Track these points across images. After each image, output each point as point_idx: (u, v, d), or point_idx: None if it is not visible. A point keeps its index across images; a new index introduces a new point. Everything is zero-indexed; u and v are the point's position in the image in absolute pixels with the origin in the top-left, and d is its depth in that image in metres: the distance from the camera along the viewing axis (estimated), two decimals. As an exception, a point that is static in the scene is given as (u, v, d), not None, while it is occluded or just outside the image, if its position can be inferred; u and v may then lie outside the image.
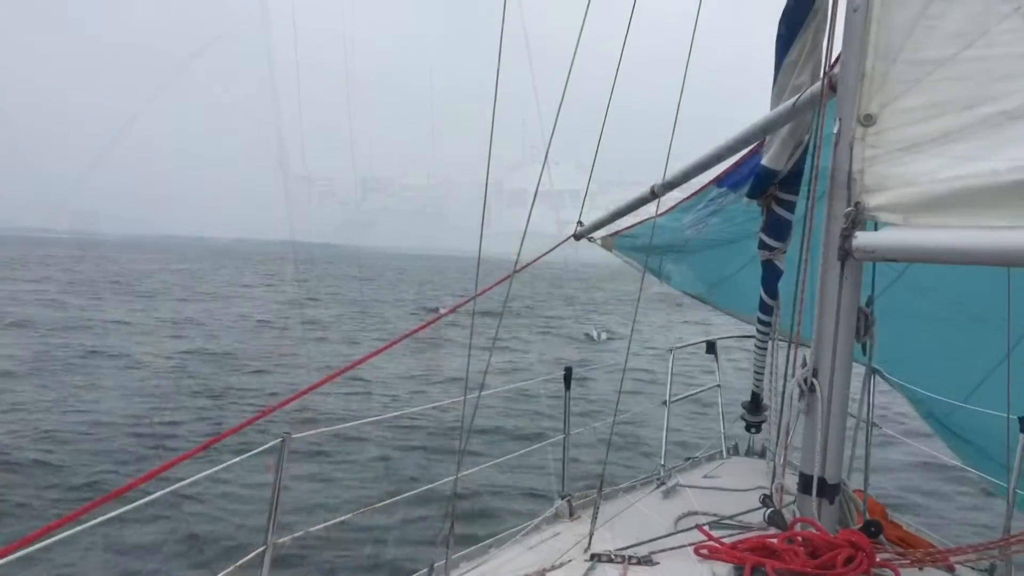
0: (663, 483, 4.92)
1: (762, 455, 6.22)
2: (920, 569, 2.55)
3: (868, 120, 2.52)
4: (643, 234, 5.90)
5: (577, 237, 5.58)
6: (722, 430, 6.68)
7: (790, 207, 4.13)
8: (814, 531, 2.49)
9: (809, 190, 2.82)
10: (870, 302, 2.75)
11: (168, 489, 2.99)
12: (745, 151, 4.66)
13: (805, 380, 2.67)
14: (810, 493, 2.68)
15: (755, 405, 5.16)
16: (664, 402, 6.47)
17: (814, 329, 2.68)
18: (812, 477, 2.67)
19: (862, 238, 2.46)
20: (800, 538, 2.45)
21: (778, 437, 3.09)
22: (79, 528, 2.38)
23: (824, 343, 2.65)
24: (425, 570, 3.32)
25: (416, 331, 3.94)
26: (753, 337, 4.86)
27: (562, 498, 5.10)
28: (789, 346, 2.89)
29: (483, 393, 3.38)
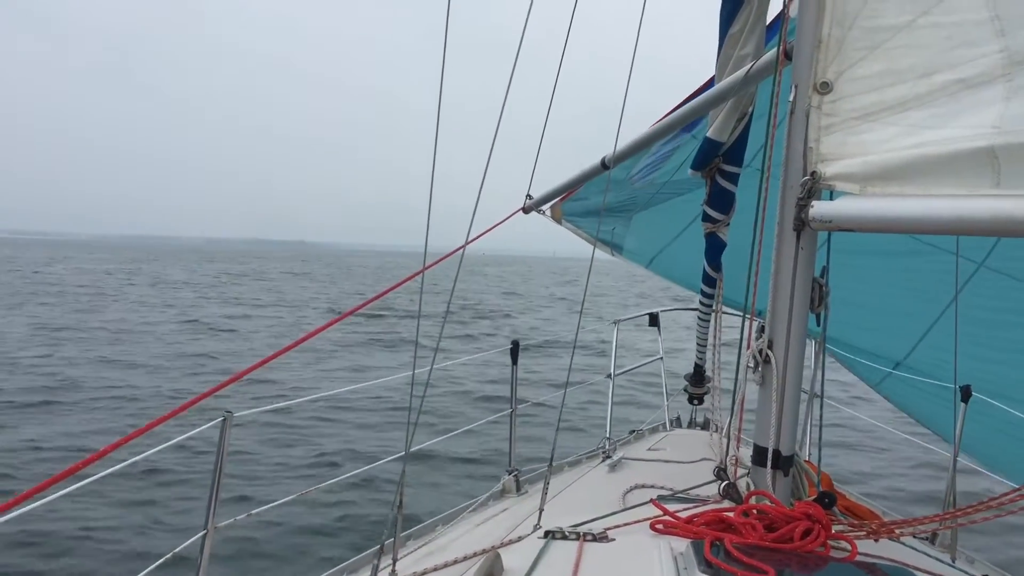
0: (608, 456, 4.92)
1: (704, 427, 6.28)
2: (876, 541, 2.55)
3: (824, 88, 2.48)
4: (590, 194, 5.85)
5: (526, 211, 5.52)
6: (665, 402, 6.73)
7: (734, 179, 4.12)
8: (769, 504, 2.47)
9: (764, 159, 2.79)
10: (824, 273, 2.73)
11: (99, 475, 2.84)
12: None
13: (760, 351, 2.65)
14: (764, 465, 2.66)
15: (698, 377, 5.19)
16: (608, 375, 6.47)
17: (769, 300, 2.66)
18: (767, 449, 2.65)
19: (818, 208, 2.43)
20: (756, 511, 2.43)
21: (732, 409, 3.07)
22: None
23: (779, 314, 2.63)
24: (375, 549, 3.23)
25: (325, 327, 3.78)
26: (696, 309, 4.87)
27: (509, 473, 5.07)
28: (744, 318, 2.86)
29: (434, 367, 3.30)
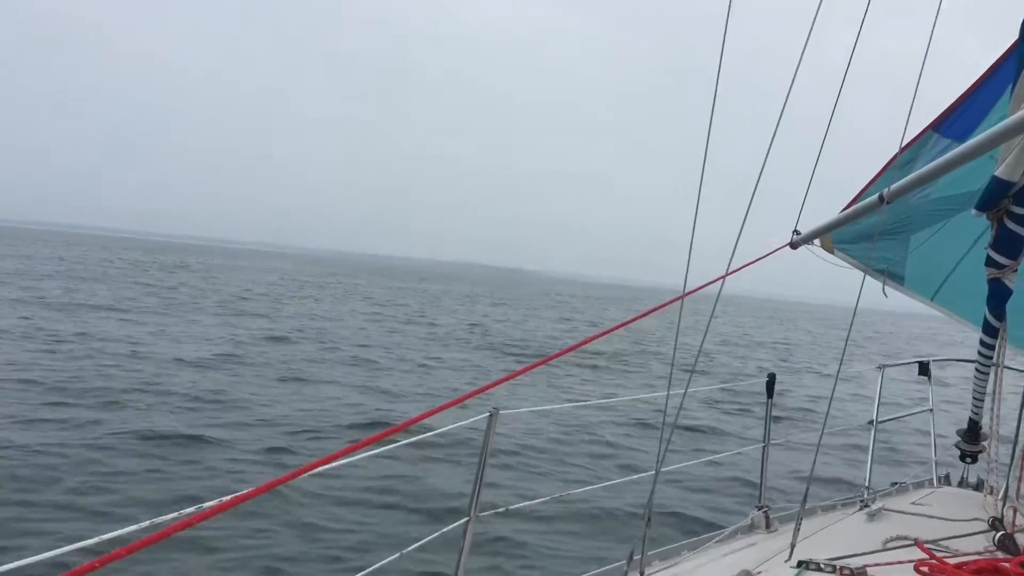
0: (867, 505, 4.70)
1: (977, 487, 5.78)
2: None
3: None
4: (862, 214, 5.59)
5: (794, 246, 5.40)
6: (933, 457, 6.29)
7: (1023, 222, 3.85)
8: None
9: None
10: None
11: (372, 451, 3.09)
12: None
13: None
14: None
15: (972, 433, 4.84)
16: (871, 422, 6.17)
17: None
18: None
19: None
20: None
21: (1012, 461, 2.90)
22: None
23: None
24: (623, 562, 3.36)
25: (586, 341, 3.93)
26: (974, 361, 4.55)
27: (759, 508, 4.99)
28: None
29: (687, 391, 3.39)
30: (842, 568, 2.54)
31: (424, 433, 3.51)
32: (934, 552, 2.59)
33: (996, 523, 2.90)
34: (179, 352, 18.93)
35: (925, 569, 2.46)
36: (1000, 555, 2.70)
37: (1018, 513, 2.89)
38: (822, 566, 2.60)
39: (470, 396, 3.14)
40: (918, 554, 2.63)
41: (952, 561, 2.49)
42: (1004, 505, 2.93)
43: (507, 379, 3.29)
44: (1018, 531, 2.83)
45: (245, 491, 1.99)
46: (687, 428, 13.11)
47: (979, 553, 2.83)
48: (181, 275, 62.43)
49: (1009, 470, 3.00)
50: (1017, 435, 2.76)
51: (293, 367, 18.44)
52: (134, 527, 1.92)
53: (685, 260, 3.56)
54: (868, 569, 2.54)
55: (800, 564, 2.63)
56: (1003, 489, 3.89)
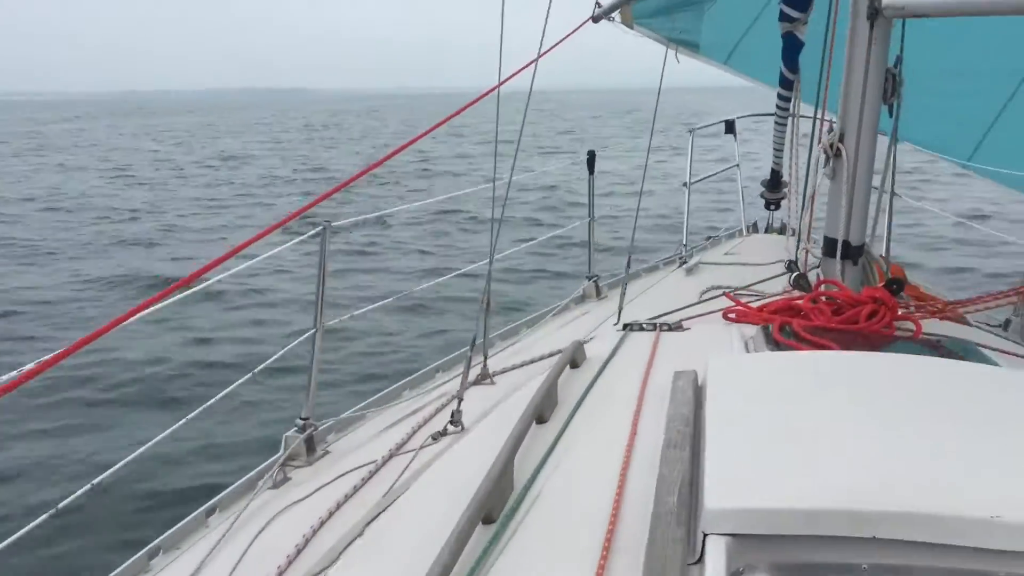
0: (685, 261, 5.04)
1: (781, 232, 6.29)
2: (941, 320, 2.66)
3: None
4: None
5: (595, 19, 5.35)
6: (742, 209, 6.73)
7: None
8: (838, 292, 2.60)
9: None
10: (898, 63, 2.71)
11: (214, 278, 3.01)
12: None
13: (831, 145, 2.69)
14: (834, 256, 2.77)
15: (775, 182, 5.17)
16: (684, 183, 6.49)
17: (840, 92, 2.67)
18: (836, 240, 2.75)
19: None
20: (825, 298, 2.56)
21: (803, 203, 3.15)
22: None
23: (851, 107, 2.64)
24: (466, 349, 3.49)
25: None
26: (773, 114, 4.79)
27: (589, 279, 5.27)
28: (816, 111, 2.88)
29: (513, 178, 3.43)
30: (661, 324, 2.75)
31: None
32: (740, 299, 2.84)
33: (792, 265, 3.19)
34: None
35: (732, 315, 2.71)
36: (797, 294, 2.99)
37: (809, 254, 3.18)
38: (644, 326, 2.81)
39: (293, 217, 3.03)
40: (729, 303, 2.88)
41: (755, 304, 2.75)
42: (798, 248, 3.22)
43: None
44: (810, 269, 3.13)
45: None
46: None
47: (779, 295, 3.13)
48: None
49: (800, 215, 3.26)
50: (806, 182, 2.98)
51: None
52: None
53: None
54: (684, 322, 2.77)
55: (625, 327, 2.82)
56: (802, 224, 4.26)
